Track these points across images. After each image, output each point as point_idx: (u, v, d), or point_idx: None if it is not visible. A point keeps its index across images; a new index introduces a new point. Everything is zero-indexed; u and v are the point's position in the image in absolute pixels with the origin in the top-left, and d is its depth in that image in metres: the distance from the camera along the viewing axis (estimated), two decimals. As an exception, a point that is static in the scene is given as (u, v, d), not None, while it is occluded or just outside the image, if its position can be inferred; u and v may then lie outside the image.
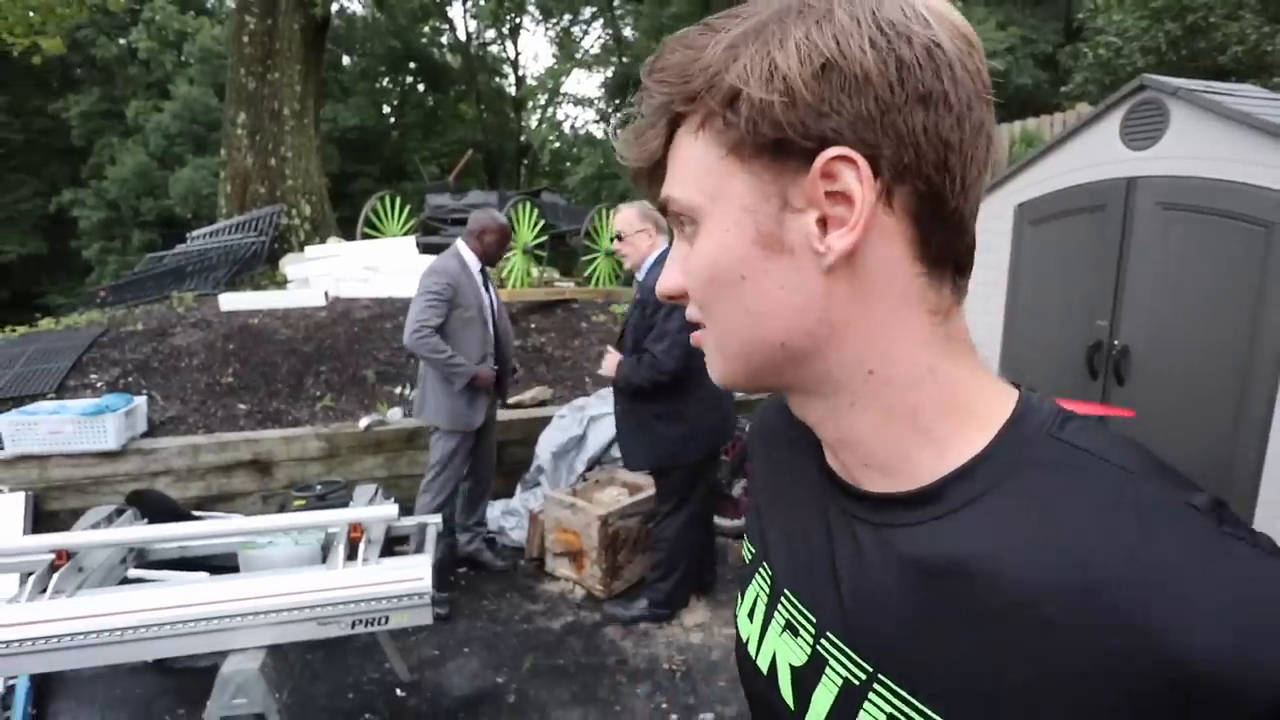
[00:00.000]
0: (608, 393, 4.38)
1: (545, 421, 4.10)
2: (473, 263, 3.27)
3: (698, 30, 0.43)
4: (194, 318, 5.06)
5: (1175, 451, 3.25)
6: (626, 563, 3.46)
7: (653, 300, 2.83)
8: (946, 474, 0.43)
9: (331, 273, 5.75)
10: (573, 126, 26.69)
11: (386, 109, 23.15)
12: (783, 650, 0.51)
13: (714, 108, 0.42)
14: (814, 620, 0.49)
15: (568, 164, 26.80)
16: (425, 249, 6.69)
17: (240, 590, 1.81)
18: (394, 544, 2.43)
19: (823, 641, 0.48)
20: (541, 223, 6.85)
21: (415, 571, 1.92)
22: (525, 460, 4.05)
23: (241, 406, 4.23)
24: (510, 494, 4.03)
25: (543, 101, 26.18)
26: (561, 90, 23.91)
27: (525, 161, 25.64)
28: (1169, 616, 0.33)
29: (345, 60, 21.18)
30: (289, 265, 6.38)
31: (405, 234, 7.23)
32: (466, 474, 3.44)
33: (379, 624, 1.87)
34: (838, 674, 0.46)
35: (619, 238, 3.01)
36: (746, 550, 0.60)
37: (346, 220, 9.30)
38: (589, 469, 3.97)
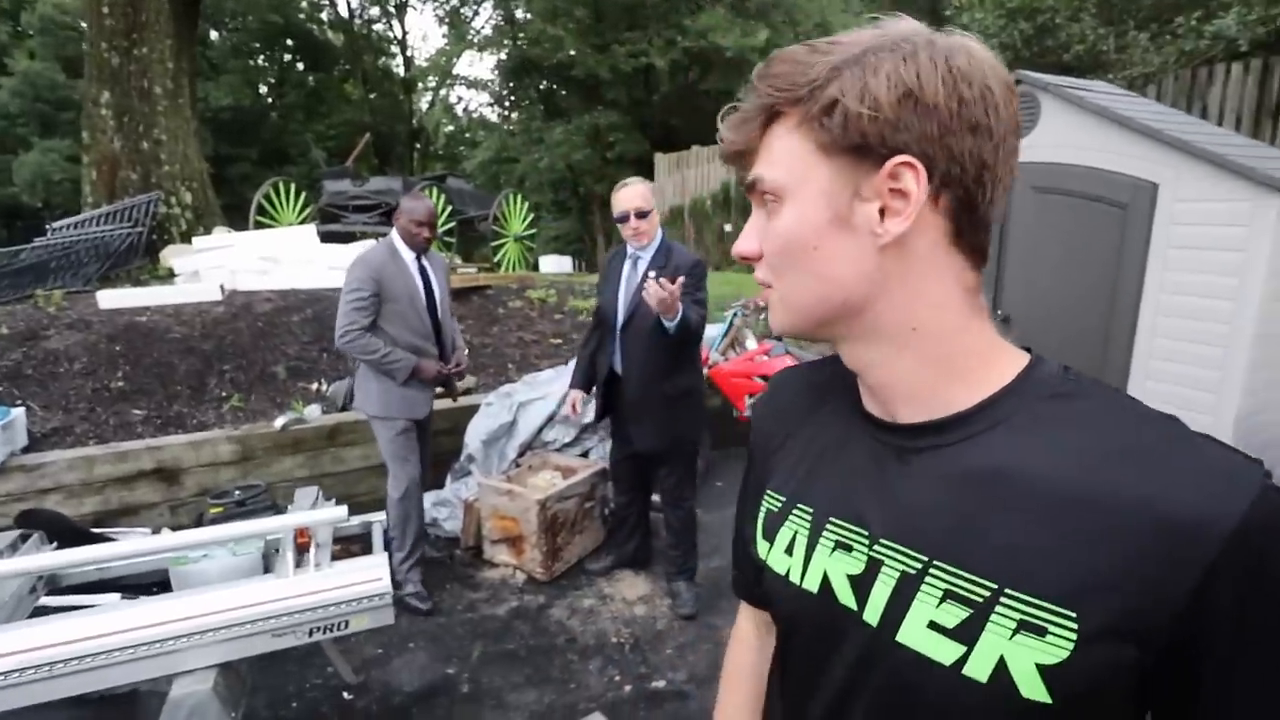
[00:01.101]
0: (534, 378, 4.32)
1: (472, 410, 4.00)
2: (404, 251, 3.04)
3: (805, 49, 0.53)
4: (68, 318, 4.53)
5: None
6: (566, 544, 3.46)
7: (698, 272, 2.78)
8: (979, 401, 0.55)
9: (225, 265, 5.30)
10: (466, 110, 25.77)
11: (263, 88, 21.42)
12: (836, 566, 0.60)
13: (813, 112, 0.52)
14: (866, 533, 0.58)
15: (462, 148, 25.91)
16: (325, 238, 6.30)
17: (185, 609, 1.67)
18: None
19: (876, 548, 0.57)
20: (449, 209, 6.60)
21: (373, 572, 1.84)
22: (454, 449, 3.94)
23: (136, 412, 3.85)
24: (441, 484, 3.91)
25: (434, 84, 25.07)
26: (454, 72, 22.94)
27: (418, 145, 24.52)
28: (1158, 488, 0.47)
29: (214, 35, 19.36)
30: (174, 258, 5.82)
31: (302, 222, 6.76)
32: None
33: (338, 629, 1.78)
34: (894, 569, 0.56)
35: (640, 215, 2.78)
36: (771, 504, 0.68)
37: (228, 208, 8.59)
38: (520, 455, 3.91)
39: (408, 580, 3.11)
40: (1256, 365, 2.99)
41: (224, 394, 4.07)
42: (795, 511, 0.65)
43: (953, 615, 0.52)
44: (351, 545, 2.65)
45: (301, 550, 1.91)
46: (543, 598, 3.26)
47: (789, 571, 0.64)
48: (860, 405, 0.63)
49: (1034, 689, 0.48)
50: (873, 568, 0.57)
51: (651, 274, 2.68)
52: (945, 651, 0.52)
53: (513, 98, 21.42)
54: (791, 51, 0.54)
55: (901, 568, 0.55)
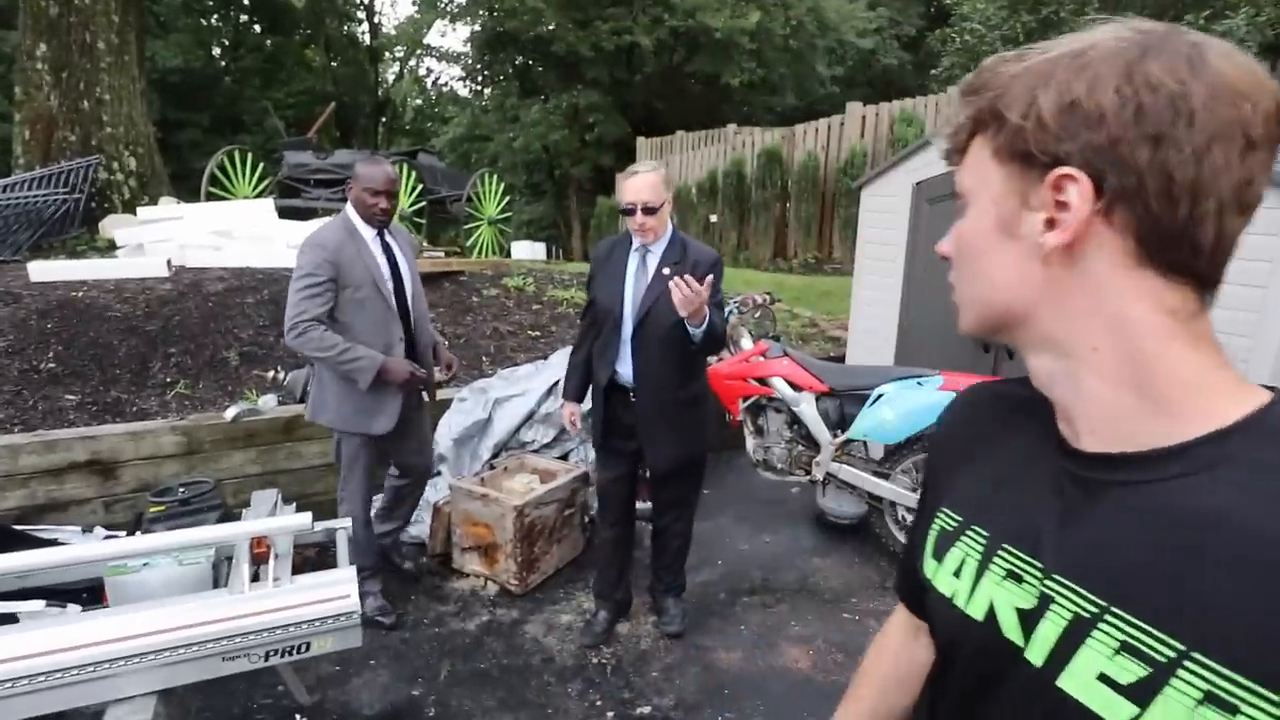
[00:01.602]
0: (512, 373, 4.20)
1: (444, 406, 3.86)
2: (363, 227, 2.72)
3: (1002, 59, 0.56)
4: (-7, 291, 4.28)
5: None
6: (543, 554, 3.35)
7: (719, 271, 2.61)
8: (1192, 439, 0.50)
9: (173, 238, 5.06)
10: (436, 83, 25.32)
11: (216, 50, 20.76)
12: (1003, 596, 0.58)
13: (990, 119, 0.56)
14: (1040, 565, 0.56)
15: (431, 124, 25.47)
16: (284, 213, 6.08)
17: (123, 626, 1.53)
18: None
19: (1048, 582, 0.55)
20: (419, 187, 6.42)
21: (339, 589, 1.72)
22: (423, 449, 3.80)
23: (70, 398, 3.64)
24: (407, 486, 3.77)
25: (402, 54, 24.58)
26: (424, 42, 22.52)
27: (383, 119, 24.05)
28: None
29: (163, -11, 18.68)
30: (116, 229, 5.55)
31: (258, 195, 6.52)
32: (397, 472, 3.15)
33: (299, 652, 1.66)
34: (1066, 608, 0.53)
35: (649, 210, 2.50)
36: (945, 522, 0.68)
37: (175, 178, 8.26)
38: (495, 455, 3.79)
39: (367, 592, 2.94)
40: None
41: (169, 380, 3.87)
42: (968, 533, 0.64)
43: (1128, 671, 0.48)
44: (306, 551, 2.51)
45: (258, 561, 1.78)
46: (517, 612, 3.15)
47: (954, 595, 0.63)
48: (1054, 428, 0.60)
49: None
50: (1043, 603, 0.55)
51: (666, 270, 2.52)
52: (1115, 710, 0.49)
53: (487, 72, 21.09)
54: (990, 61, 0.57)
55: (1075, 609, 0.53)
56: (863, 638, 3.01)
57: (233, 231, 5.21)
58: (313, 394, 2.88)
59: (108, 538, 3.20)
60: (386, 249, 2.80)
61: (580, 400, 2.94)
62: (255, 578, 1.74)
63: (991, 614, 0.59)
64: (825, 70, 17.97)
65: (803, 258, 9.70)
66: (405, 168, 6.16)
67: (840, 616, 3.18)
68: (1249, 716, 0.42)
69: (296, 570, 1.83)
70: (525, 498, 3.23)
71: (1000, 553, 0.60)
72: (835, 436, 3.55)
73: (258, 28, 21.16)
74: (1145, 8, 9.07)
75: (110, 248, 5.57)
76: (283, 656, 1.63)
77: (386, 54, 24.49)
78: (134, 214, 5.92)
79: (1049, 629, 0.54)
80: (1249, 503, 0.46)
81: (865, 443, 3.71)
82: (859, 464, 3.60)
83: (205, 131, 18.08)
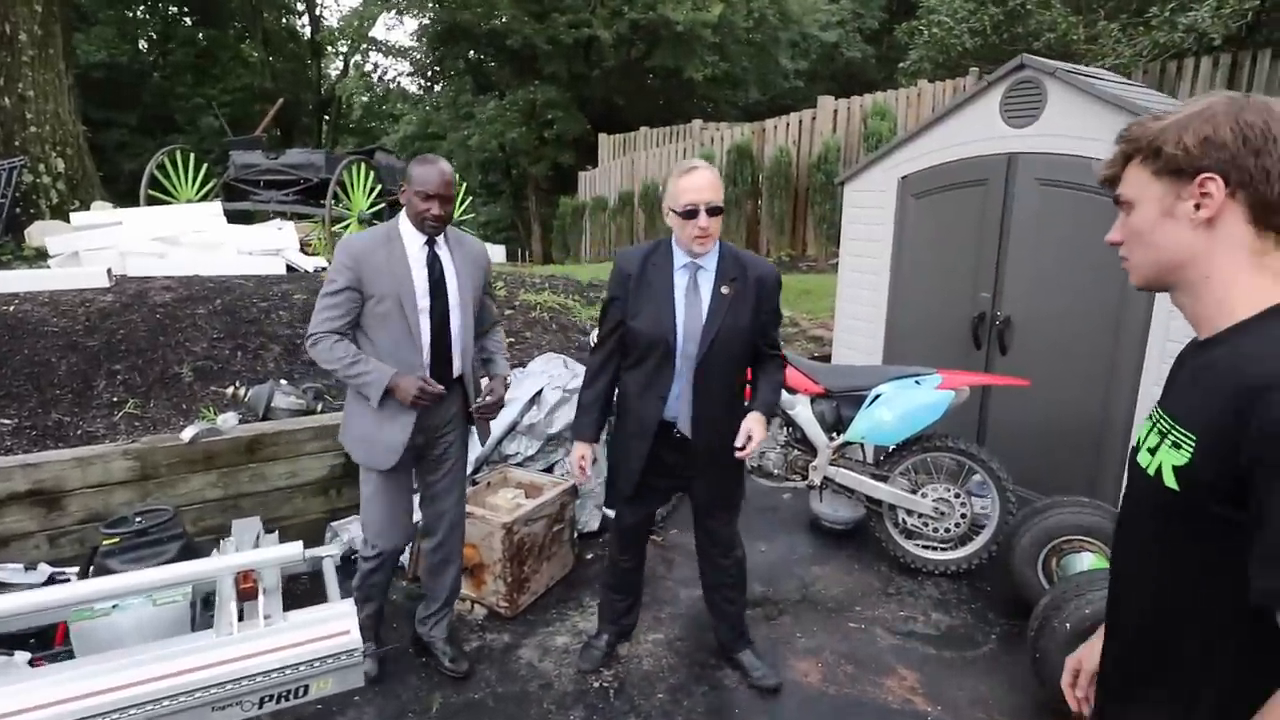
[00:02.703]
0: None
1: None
2: (409, 235, 2.45)
3: (1151, 117, 0.97)
4: (-90, 306, 4.02)
5: (1053, 415, 3.66)
6: (533, 573, 3.27)
7: (778, 286, 2.45)
8: (1231, 325, 0.93)
9: (112, 246, 4.83)
10: (383, 79, 24.89)
11: (144, 44, 20.05)
12: (1150, 440, 1.01)
13: (1147, 154, 0.96)
14: (1161, 410, 1.02)
15: (380, 122, 25.02)
16: (233, 217, 5.86)
17: (95, 681, 1.42)
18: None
19: (1161, 418, 1.01)
20: (378, 187, 6.26)
21: (339, 624, 1.63)
22: (398, 466, 3.69)
23: (4, 422, 3.42)
24: (381, 506, 3.66)
25: (346, 48, 24.10)
26: (370, 36, 22.09)
27: (327, 116, 23.53)
28: (1248, 363, 0.87)
29: (84, -21, 17.97)
30: (46, 236, 5.27)
31: (203, 198, 6.28)
32: (425, 532, 2.79)
33: (297, 696, 1.56)
34: (1159, 425, 0.99)
35: (714, 211, 2.28)
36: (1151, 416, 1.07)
37: (105, 180, 7.93)
38: (477, 470, 3.69)
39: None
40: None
41: (116, 400, 3.68)
42: (1153, 412, 1.06)
43: (1156, 440, 0.98)
44: (294, 587, 2.40)
45: (244, 598, 1.67)
46: (508, 636, 3.07)
47: (1140, 454, 1.04)
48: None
49: (1171, 481, 0.92)
50: (1157, 430, 1.00)
51: (725, 290, 2.35)
52: (1151, 463, 0.98)
53: (438, 68, 20.82)
54: (1135, 122, 0.99)
55: (1159, 422, 1.00)
56: (870, 647, 3.01)
57: (178, 238, 5.00)
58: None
59: (55, 575, 3.02)
60: (434, 261, 2.48)
61: (596, 440, 2.64)
62: (242, 616, 1.63)
63: (1148, 461, 1.00)
64: (789, 64, 18.18)
65: (776, 255, 9.76)
66: (364, 168, 6.00)
67: (846, 626, 3.17)
68: (1172, 439, 0.94)
69: (295, 610, 1.73)
70: (513, 514, 3.15)
71: (1155, 415, 1.03)
72: (832, 439, 3.55)
73: (188, 20, 20.51)
74: (1110, 1, 9.38)
75: (40, 257, 5.30)
76: (279, 702, 1.54)
77: (329, 48, 23.98)
78: (65, 219, 5.64)
79: (1153, 439, 0.99)
80: (1228, 355, 0.91)
81: (863, 445, 3.71)
82: (856, 467, 3.60)
83: (133, 131, 17.45)
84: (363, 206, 5.90)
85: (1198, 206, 0.91)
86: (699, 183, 2.26)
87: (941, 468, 3.57)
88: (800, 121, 9.85)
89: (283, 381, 3.86)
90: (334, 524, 3.53)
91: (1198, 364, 0.97)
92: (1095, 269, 3.43)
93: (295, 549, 1.68)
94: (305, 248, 7.31)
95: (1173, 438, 0.93)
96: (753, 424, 2.37)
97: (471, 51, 19.00)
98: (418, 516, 2.83)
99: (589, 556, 3.70)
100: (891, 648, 3.02)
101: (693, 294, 2.36)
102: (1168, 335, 3.22)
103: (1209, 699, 0.92)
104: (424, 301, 2.46)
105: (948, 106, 4.03)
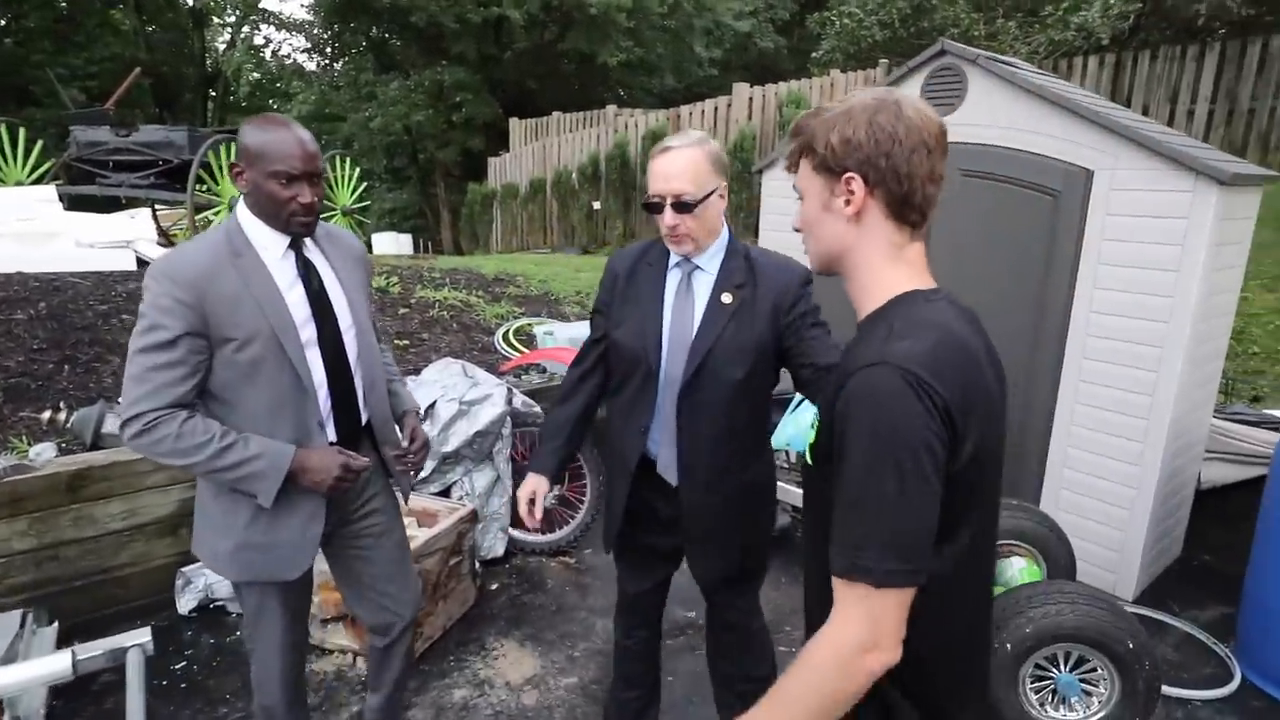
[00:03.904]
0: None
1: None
2: (264, 237, 1.68)
3: (807, 115, 1.05)
4: None
5: (977, 416, 3.52)
6: (426, 616, 2.85)
7: (810, 294, 1.83)
8: (872, 311, 1.03)
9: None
10: (276, 54, 23.21)
11: (-7, 7, 17.87)
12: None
13: (807, 149, 1.03)
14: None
15: (274, 100, 23.35)
16: (75, 203, 5.08)
17: None
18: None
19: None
20: (254, 171, 5.58)
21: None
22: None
23: None
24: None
25: (233, 20, 22.31)
26: (259, 7, 20.49)
27: (213, 93, 21.75)
28: (853, 366, 0.93)
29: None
30: None
31: (36, 180, 5.42)
32: (369, 627, 2.08)
33: None
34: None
35: (681, 206, 1.71)
36: None
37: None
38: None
39: None
40: (1197, 364, 3.03)
41: (-99, 426, 3.00)
42: None
43: (813, 427, 1.08)
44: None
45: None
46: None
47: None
48: None
49: (810, 459, 1.03)
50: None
51: (727, 298, 1.79)
52: (808, 449, 1.06)
53: (336, 44, 19.56)
54: (802, 115, 1.06)
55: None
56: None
57: None
58: (196, 520, 1.84)
59: None
60: (305, 271, 1.73)
61: (556, 477, 2.02)
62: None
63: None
64: (704, 52, 18.01)
65: (691, 246, 9.55)
66: (234, 148, 5.31)
67: (777, 650, 2.90)
68: (814, 423, 1.04)
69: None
70: (399, 550, 2.72)
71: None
72: (754, 449, 3.28)
73: (47, -18, 18.40)
74: (1008, -2, 9.56)
75: None
76: None
77: (214, 19, 22.13)
78: None
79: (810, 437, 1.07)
80: (852, 343, 1.02)
81: (787, 451, 3.49)
82: (781, 475, 3.35)
83: (-21, 104, 15.52)
84: (233, 191, 5.22)
85: (847, 202, 1.00)
86: (666, 168, 1.72)
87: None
88: (716, 109, 9.64)
89: (120, 401, 3.26)
90: (185, 569, 2.99)
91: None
92: (1015, 262, 3.30)
93: (60, 662, 1.23)
94: (169, 238, 6.52)
95: (815, 421, 1.04)
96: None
97: (373, 28, 17.90)
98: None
99: (493, 587, 3.31)
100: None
101: (684, 301, 1.83)
102: (1089, 330, 3.11)
103: None
104: (307, 331, 1.71)
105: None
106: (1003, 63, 3.33)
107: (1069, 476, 3.25)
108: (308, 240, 1.75)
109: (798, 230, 1.09)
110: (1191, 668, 2.80)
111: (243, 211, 1.68)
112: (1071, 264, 3.13)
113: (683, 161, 1.71)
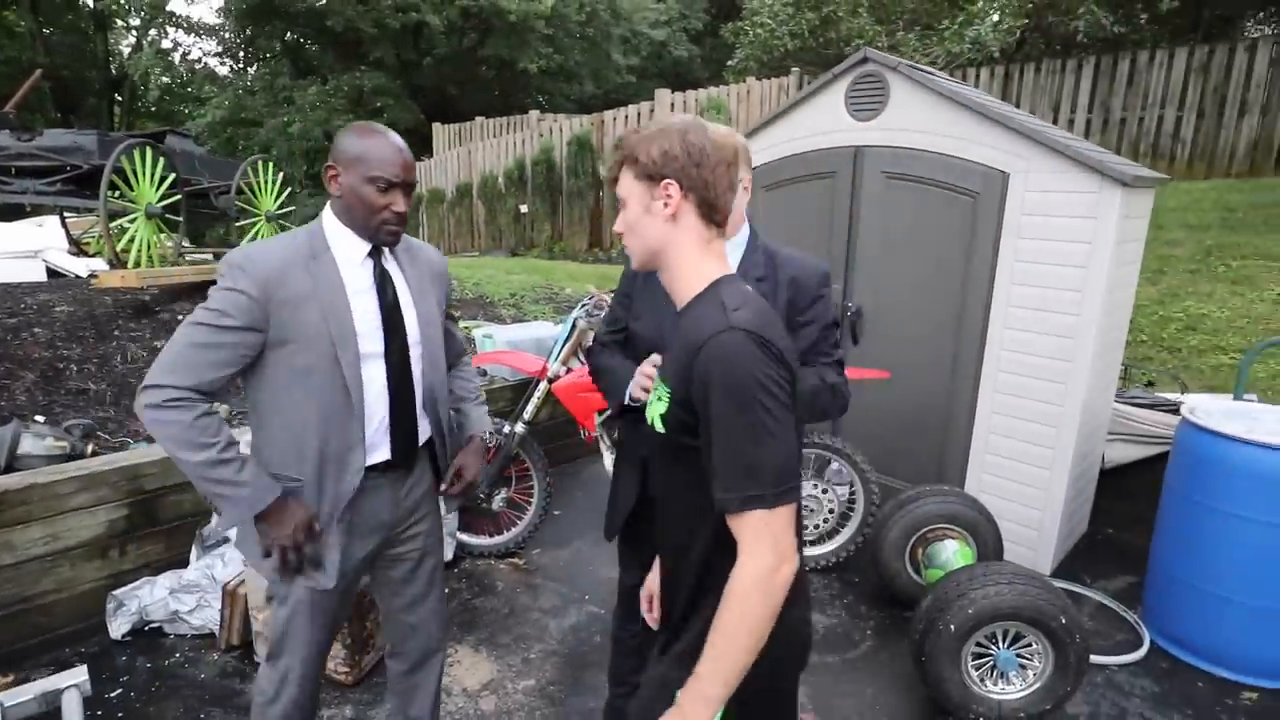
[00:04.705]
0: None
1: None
2: (348, 244, 1.61)
3: (630, 131, 1.21)
4: None
5: (905, 399, 3.59)
6: (375, 630, 2.68)
7: (828, 293, 1.77)
8: (691, 298, 1.16)
9: None
10: (185, 58, 21.77)
11: None
12: (653, 399, 1.23)
13: (630, 160, 1.18)
14: (660, 376, 1.25)
15: (185, 105, 21.90)
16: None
17: None
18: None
19: (659, 381, 1.23)
20: (171, 176, 5.17)
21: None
22: (199, 510, 2.93)
23: None
24: (183, 562, 2.89)
25: (139, 22, 20.78)
26: (167, 9, 19.14)
27: (119, 98, 20.22)
28: (703, 336, 1.07)
29: None
30: None
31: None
32: (387, 648, 1.98)
33: None
34: (657, 389, 1.22)
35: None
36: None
37: None
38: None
39: None
40: (1102, 353, 3.17)
41: None
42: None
43: (654, 398, 1.19)
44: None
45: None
46: (349, 709, 2.47)
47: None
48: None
49: (660, 426, 1.16)
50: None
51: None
52: (651, 415, 1.20)
53: (250, 48, 18.49)
54: (627, 132, 1.22)
55: (658, 384, 1.21)
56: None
57: (-117, 238, 3.75)
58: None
59: None
60: (381, 281, 1.64)
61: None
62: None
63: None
64: (621, 59, 17.96)
65: (619, 247, 9.47)
66: (151, 154, 4.89)
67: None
68: (658, 394, 1.17)
69: None
70: (349, 565, 2.55)
71: (658, 378, 1.23)
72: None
73: (-74, -22, 16.67)
74: (905, 13, 9.91)
75: None
76: None
77: (117, 21, 20.55)
78: None
79: (654, 398, 1.21)
80: (686, 322, 1.14)
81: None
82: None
83: None
84: (151, 198, 4.81)
85: (665, 204, 1.14)
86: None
87: (806, 464, 3.39)
88: (639, 114, 9.60)
89: (37, 419, 2.94)
90: (116, 592, 2.71)
91: (676, 331, 1.17)
92: (937, 260, 3.38)
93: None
94: (80, 247, 5.97)
95: (658, 392, 1.16)
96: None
97: (288, 32, 17.02)
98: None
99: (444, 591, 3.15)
100: (775, 661, 2.77)
101: None
102: (1007, 323, 3.22)
103: (706, 580, 1.13)
104: (373, 344, 1.61)
105: (794, 99, 3.84)
106: (921, 70, 3.41)
107: (990, 461, 3.36)
108: (387, 251, 1.67)
109: (619, 233, 1.23)
110: (1106, 634, 2.92)
111: (328, 215, 1.63)
112: (990, 261, 3.22)
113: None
